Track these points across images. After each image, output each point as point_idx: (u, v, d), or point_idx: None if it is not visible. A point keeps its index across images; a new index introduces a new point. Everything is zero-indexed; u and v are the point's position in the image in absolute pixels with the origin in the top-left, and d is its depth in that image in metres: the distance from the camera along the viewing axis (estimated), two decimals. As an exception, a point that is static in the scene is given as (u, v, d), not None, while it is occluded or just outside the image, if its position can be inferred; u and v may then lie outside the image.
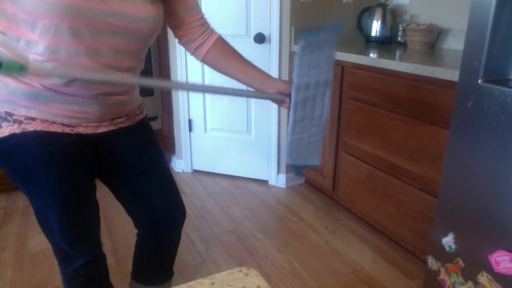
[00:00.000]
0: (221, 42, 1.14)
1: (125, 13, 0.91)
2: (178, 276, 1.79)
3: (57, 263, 1.17)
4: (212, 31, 1.14)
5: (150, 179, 1.16)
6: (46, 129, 0.95)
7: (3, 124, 0.93)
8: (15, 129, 0.93)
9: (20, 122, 0.93)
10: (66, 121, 0.97)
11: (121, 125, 1.09)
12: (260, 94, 1.09)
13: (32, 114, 0.93)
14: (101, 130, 1.04)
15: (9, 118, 0.92)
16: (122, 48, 0.93)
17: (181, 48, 2.61)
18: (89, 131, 1.02)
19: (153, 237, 1.25)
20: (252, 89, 1.10)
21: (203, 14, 1.14)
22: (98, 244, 1.19)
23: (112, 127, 1.06)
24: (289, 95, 1.04)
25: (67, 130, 0.98)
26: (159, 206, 1.19)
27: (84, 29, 0.86)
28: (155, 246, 1.27)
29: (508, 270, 1.18)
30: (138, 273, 1.35)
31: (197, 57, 1.15)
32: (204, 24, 1.13)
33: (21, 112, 0.93)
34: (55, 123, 0.96)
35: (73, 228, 1.07)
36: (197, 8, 1.11)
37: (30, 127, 0.93)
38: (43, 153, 0.96)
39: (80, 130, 1.00)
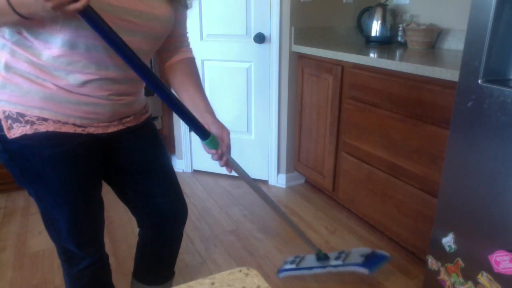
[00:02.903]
0: (189, 62, 1.18)
1: (145, 11, 0.93)
2: (178, 276, 1.79)
3: (61, 264, 1.16)
4: (188, 49, 1.19)
5: (155, 178, 1.17)
6: (58, 130, 0.95)
7: (15, 125, 0.92)
8: (27, 130, 0.92)
9: (33, 123, 0.92)
10: (78, 121, 0.97)
11: (129, 124, 1.09)
12: (200, 131, 1.05)
13: (45, 115, 0.93)
14: (110, 129, 1.04)
15: (20, 119, 0.92)
16: (136, 46, 0.94)
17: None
18: (100, 131, 1.02)
19: (156, 237, 1.26)
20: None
21: (187, 33, 1.19)
22: (102, 244, 1.19)
23: (121, 127, 1.07)
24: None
25: (79, 130, 0.98)
26: (164, 205, 1.20)
27: None
28: (158, 246, 1.27)
29: (508, 270, 1.18)
30: (139, 272, 1.35)
31: (160, 64, 1.18)
32: (185, 41, 1.18)
33: (33, 113, 0.92)
34: (67, 123, 0.96)
35: (81, 228, 1.08)
36: (186, 24, 1.16)
37: (43, 127, 0.93)
38: (55, 153, 0.96)
39: (91, 130, 1.00)
